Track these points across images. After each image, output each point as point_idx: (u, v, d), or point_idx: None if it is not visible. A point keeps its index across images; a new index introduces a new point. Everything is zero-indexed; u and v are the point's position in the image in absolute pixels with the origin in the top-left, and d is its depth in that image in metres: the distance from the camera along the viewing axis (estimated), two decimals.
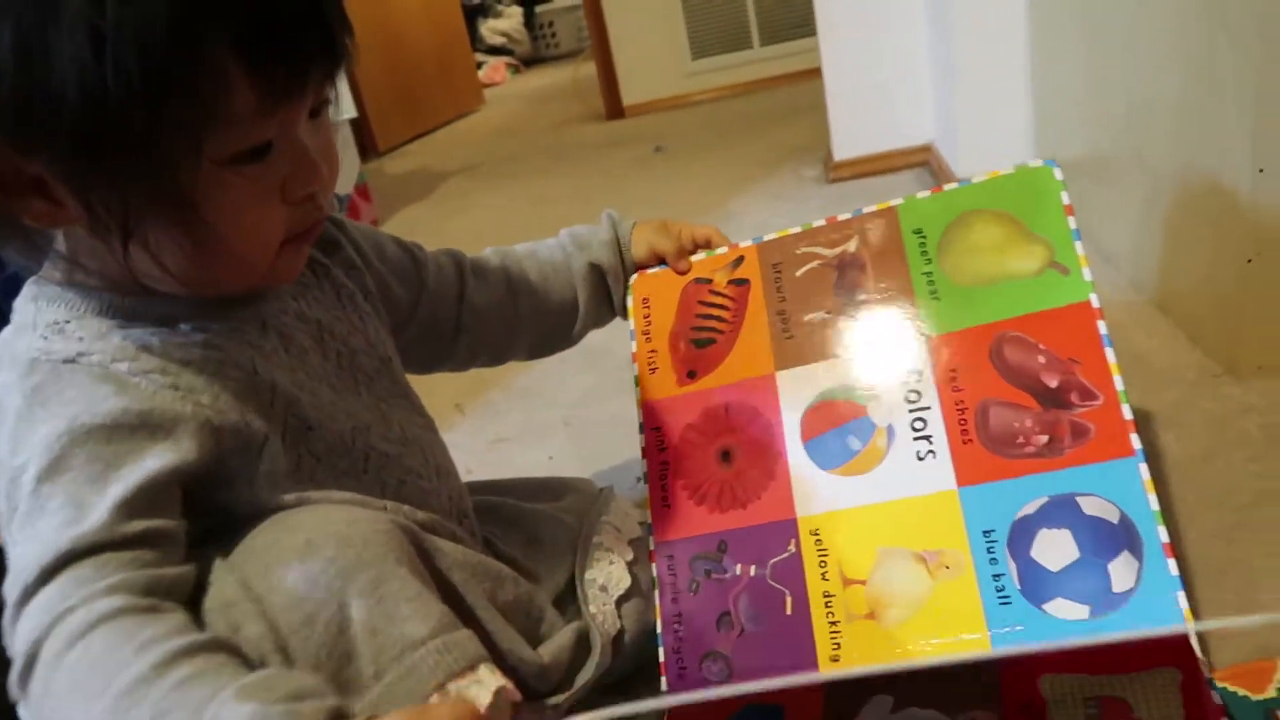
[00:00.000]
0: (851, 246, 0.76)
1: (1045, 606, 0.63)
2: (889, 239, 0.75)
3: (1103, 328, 0.68)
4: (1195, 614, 0.67)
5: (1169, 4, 1.05)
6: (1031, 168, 0.72)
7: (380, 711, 0.46)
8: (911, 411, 0.70)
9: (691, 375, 0.78)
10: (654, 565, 0.73)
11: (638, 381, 0.79)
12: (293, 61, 0.47)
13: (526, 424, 1.20)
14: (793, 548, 0.70)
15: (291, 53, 0.47)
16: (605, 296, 0.82)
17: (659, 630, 0.71)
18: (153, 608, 0.44)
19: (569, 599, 0.72)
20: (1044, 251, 0.70)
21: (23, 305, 0.54)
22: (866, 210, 0.76)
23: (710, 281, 0.80)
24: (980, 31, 1.61)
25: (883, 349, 0.73)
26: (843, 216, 0.77)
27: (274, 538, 0.50)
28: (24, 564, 0.45)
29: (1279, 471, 0.82)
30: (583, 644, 0.68)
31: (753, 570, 0.71)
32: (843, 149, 1.97)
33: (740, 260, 0.79)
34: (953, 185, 0.75)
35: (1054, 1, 1.46)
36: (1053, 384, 0.67)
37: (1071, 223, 0.71)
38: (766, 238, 0.79)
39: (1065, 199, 0.71)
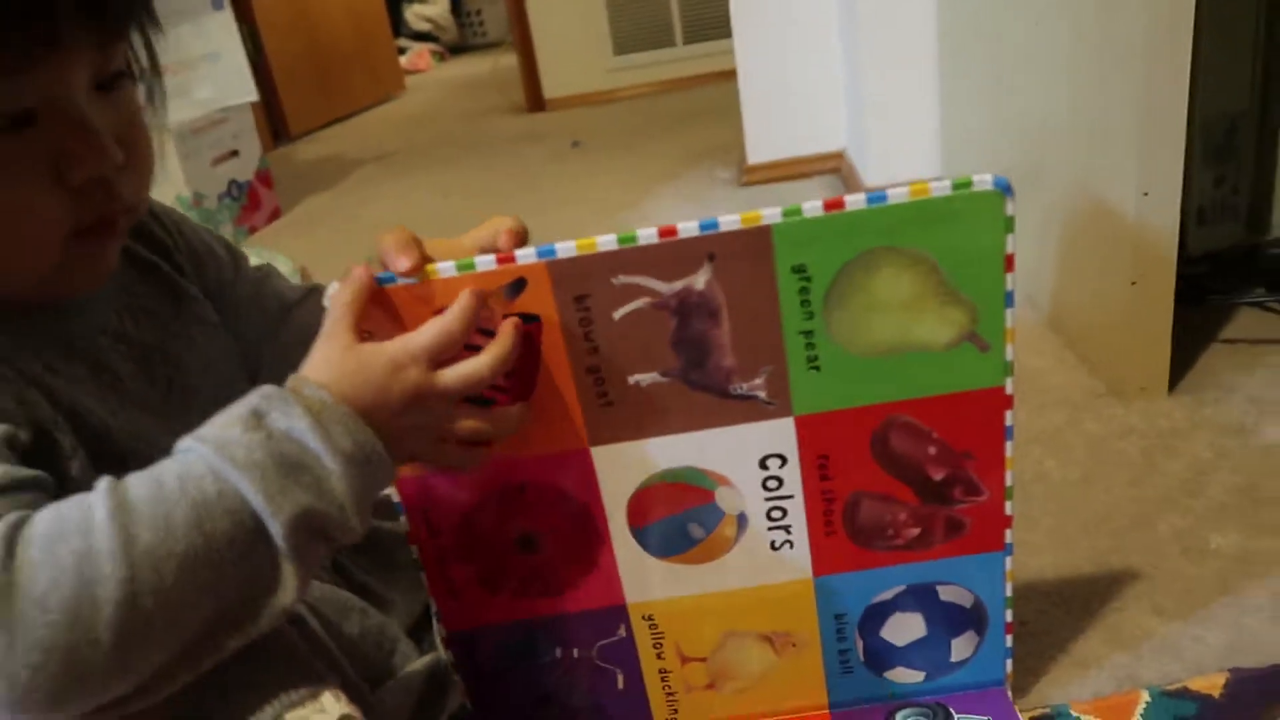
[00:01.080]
0: (699, 283, 0.52)
1: (885, 674, 0.65)
2: (757, 277, 0.52)
3: (1009, 419, 0.56)
4: (1059, 639, 0.69)
5: (1063, 25, 1.06)
6: (976, 191, 0.50)
7: None
8: (769, 500, 0.59)
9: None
10: (449, 653, 0.64)
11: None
12: (27, 14, 0.41)
13: None
14: (623, 631, 0.64)
15: (23, 3, 0.41)
16: None
17: (470, 708, 0.65)
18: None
19: (426, 627, 0.68)
20: (963, 318, 0.54)
21: None
22: (726, 225, 0.51)
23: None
24: (889, 43, 1.62)
25: (738, 425, 0.57)
26: (685, 229, 0.51)
27: None
28: None
29: (1154, 495, 0.83)
30: (434, 679, 0.64)
31: (575, 653, 0.65)
32: (756, 152, 1.96)
33: (521, 284, 0.52)
34: (858, 200, 0.50)
35: (959, 16, 1.47)
36: (937, 478, 0.58)
37: (1008, 282, 0.53)
38: (560, 251, 0.51)
39: (1010, 245, 0.52)
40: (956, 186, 0.50)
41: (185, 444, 0.44)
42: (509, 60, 3.47)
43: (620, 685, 0.66)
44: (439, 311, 0.50)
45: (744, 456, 0.58)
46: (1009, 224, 0.51)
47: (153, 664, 0.40)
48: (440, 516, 0.60)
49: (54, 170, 0.44)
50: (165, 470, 0.42)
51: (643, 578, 0.62)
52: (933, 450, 0.57)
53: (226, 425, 0.44)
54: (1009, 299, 0.53)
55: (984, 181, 0.50)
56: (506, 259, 0.51)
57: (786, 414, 0.56)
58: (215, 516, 0.41)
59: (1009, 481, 0.58)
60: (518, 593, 0.63)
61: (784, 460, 0.57)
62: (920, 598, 0.62)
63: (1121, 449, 0.90)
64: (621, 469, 0.58)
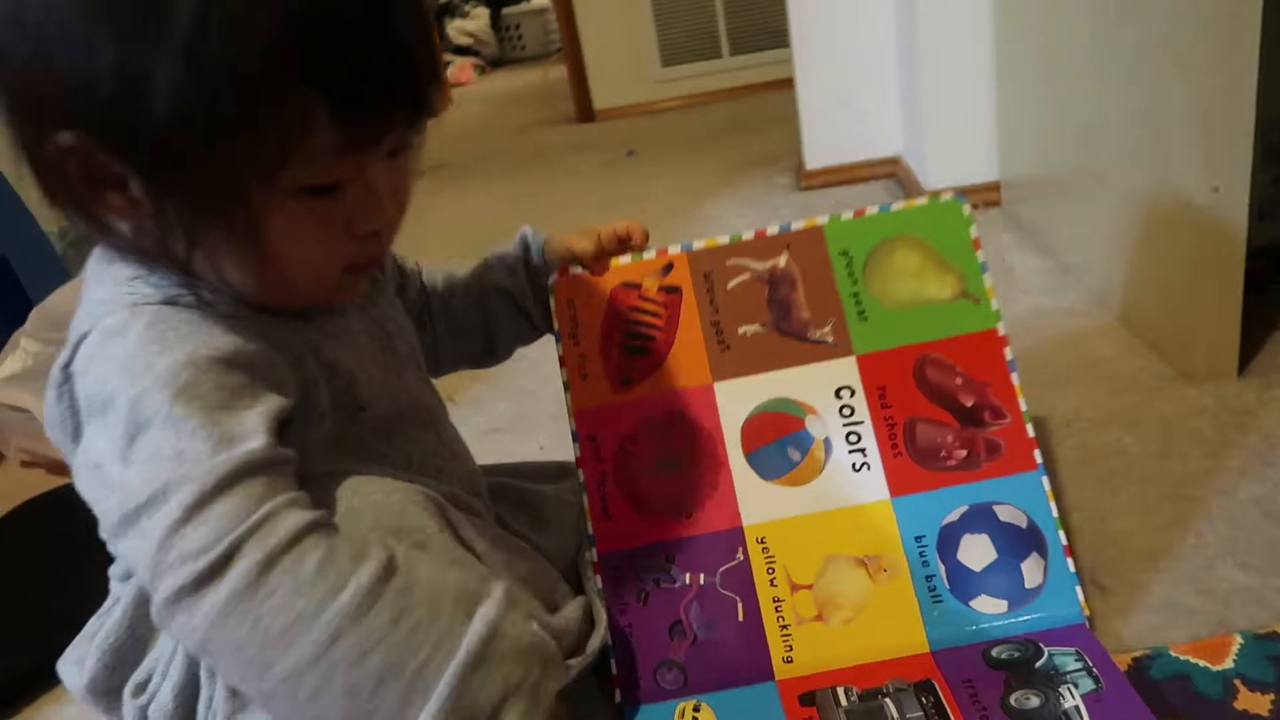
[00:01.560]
0: (781, 262, 0.78)
1: (971, 603, 0.72)
2: (818, 257, 0.78)
3: (1009, 354, 0.75)
4: (1151, 593, 0.75)
5: (1124, 36, 1.12)
6: (942, 202, 0.78)
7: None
8: (846, 425, 0.75)
9: (626, 383, 0.78)
10: (598, 577, 0.74)
11: (568, 387, 0.78)
12: (378, 113, 0.49)
13: (516, 415, 1.23)
14: (741, 555, 0.74)
15: (378, 105, 0.49)
16: (520, 316, 0.81)
17: (609, 642, 0.71)
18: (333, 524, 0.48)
19: (572, 577, 0.75)
20: (956, 281, 0.77)
21: (95, 265, 0.55)
22: (795, 226, 0.79)
23: (639, 287, 0.79)
24: (946, 48, 1.68)
25: (817, 364, 0.77)
26: (771, 230, 0.79)
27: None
28: (166, 479, 0.45)
29: (1231, 466, 0.89)
30: (587, 617, 0.71)
31: (702, 579, 0.74)
32: (814, 158, 2.03)
33: (670, 266, 0.79)
34: (874, 210, 0.78)
35: (1017, 23, 1.53)
36: (969, 403, 0.75)
37: (980, 256, 0.76)
38: (695, 245, 0.80)
39: (974, 233, 0.76)
40: (931, 199, 0.78)
41: (492, 588, 0.50)
42: (558, 72, 3.57)
43: (740, 616, 0.73)
44: (623, 284, 0.79)
45: (823, 388, 0.76)
46: (969, 220, 0.77)
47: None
48: (604, 443, 0.77)
49: (346, 224, 0.52)
50: (448, 588, 0.48)
51: (755, 499, 0.75)
52: (959, 380, 0.75)
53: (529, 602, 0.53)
54: (984, 267, 0.77)
55: (949, 195, 0.78)
56: (662, 251, 0.80)
57: (849, 353, 0.77)
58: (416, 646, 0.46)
59: (1024, 407, 0.74)
60: (658, 514, 0.75)
61: (853, 391, 0.76)
62: (982, 517, 0.72)
63: (1196, 426, 0.96)
64: (736, 401, 0.77)
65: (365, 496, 0.53)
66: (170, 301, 0.51)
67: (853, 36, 1.93)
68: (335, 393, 0.58)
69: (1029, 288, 1.35)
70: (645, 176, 2.48)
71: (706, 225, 1.90)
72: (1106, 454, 0.94)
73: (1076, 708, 0.63)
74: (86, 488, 0.49)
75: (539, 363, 0.88)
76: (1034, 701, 0.65)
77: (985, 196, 1.72)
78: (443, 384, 0.76)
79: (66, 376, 0.51)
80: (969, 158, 1.73)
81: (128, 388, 0.48)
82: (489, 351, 0.82)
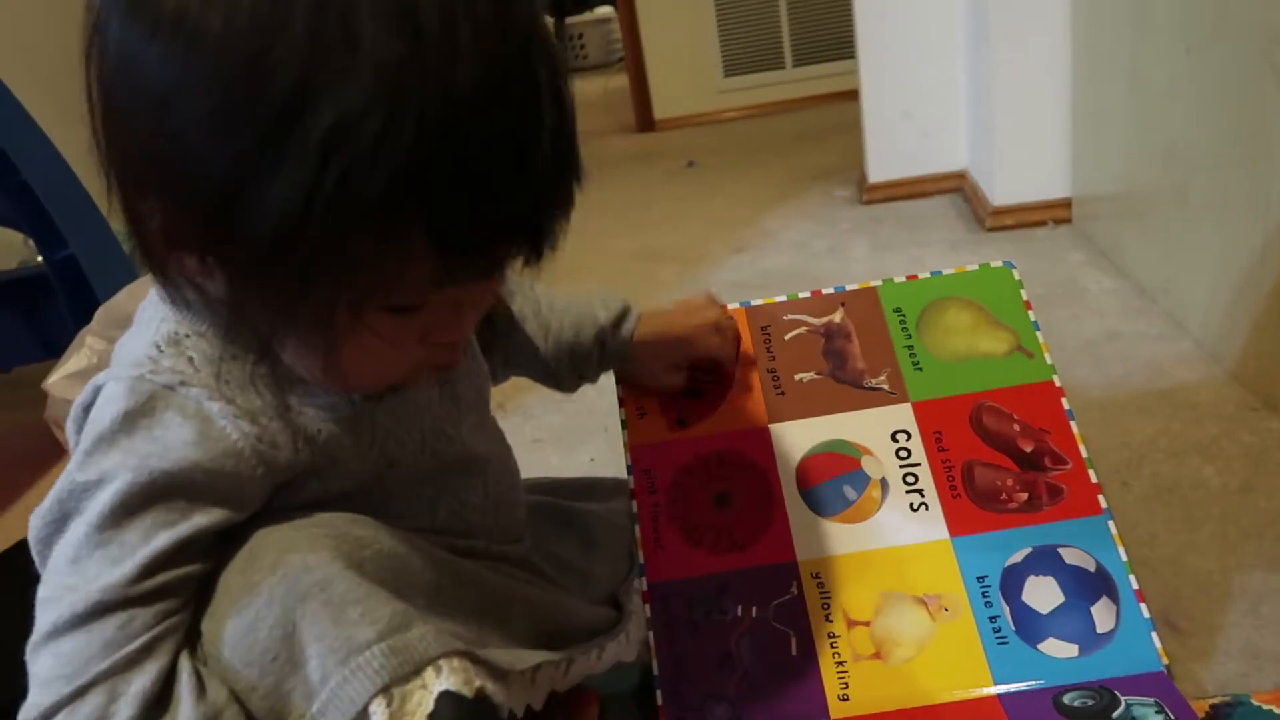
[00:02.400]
0: (837, 317, 0.81)
1: (1040, 646, 0.68)
2: (872, 313, 0.81)
3: (1066, 404, 0.75)
4: (1231, 637, 0.71)
5: (1218, 51, 1.07)
6: (993, 267, 0.82)
7: (328, 715, 0.48)
8: (902, 467, 0.75)
9: (682, 423, 0.79)
10: (647, 607, 0.72)
11: (625, 424, 0.79)
12: (490, 260, 0.47)
13: (565, 427, 1.22)
14: (795, 589, 0.72)
15: (493, 254, 0.46)
16: (575, 378, 0.78)
17: (655, 672, 0.69)
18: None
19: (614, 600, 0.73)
20: (1010, 337, 0.78)
21: (153, 301, 0.54)
22: (849, 287, 0.83)
23: None
24: (1020, 62, 1.64)
25: (872, 409, 0.77)
26: (826, 291, 0.83)
27: (237, 565, 0.50)
28: (58, 593, 0.47)
29: None
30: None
31: (754, 612, 0.71)
32: (877, 171, 1.99)
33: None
34: (925, 275, 0.83)
35: (1098, 37, 1.48)
36: (1028, 449, 0.74)
37: (1031, 315, 0.78)
38: (754, 303, 0.83)
39: (1024, 295, 0.80)
40: (982, 266, 0.82)
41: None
42: (618, 82, 3.57)
43: (794, 650, 0.70)
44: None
45: (879, 431, 0.76)
46: (1019, 284, 0.80)
47: None
48: (659, 476, 0.77)
49: (422, 334, 0.50)
50: None
51: (810, 535, 0.73)
52: (1017, 427, 0.75)
53: None
54: (1035, 325, 0.78)
55: (998, 262, 0.82)
56: (722, 308, 0.81)
57: (904, 400, 0.77)
58: None
59: (1085, 454, 0.73)
60: (711, 548, 0.74)
61: (909, 435, 0.76)
62: (1047, 560, 0.69)
63: None
64: (791, 441, 0.77)
65: (269, 539, 0.51)
66: (170, 387, 0.49)
67: (920, 48, 1.89)
68: (370, 458, 0.56)
69: (1103, 310, 1.30)
70: (705, 187, 2.46)
71: (768, 238, 1.88)
72: (1185, 487, 0.89)
73: None
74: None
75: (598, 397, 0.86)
76: None
77: (1055, 214, 1.67)
78: (494, 393, 0.75)
79: (83, 415, 0.51)
80: (1039, 173, 1.68)
81: (78, 466, 0.48)
82: (544, 381, 0.79)
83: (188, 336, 0.51)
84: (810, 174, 2.33)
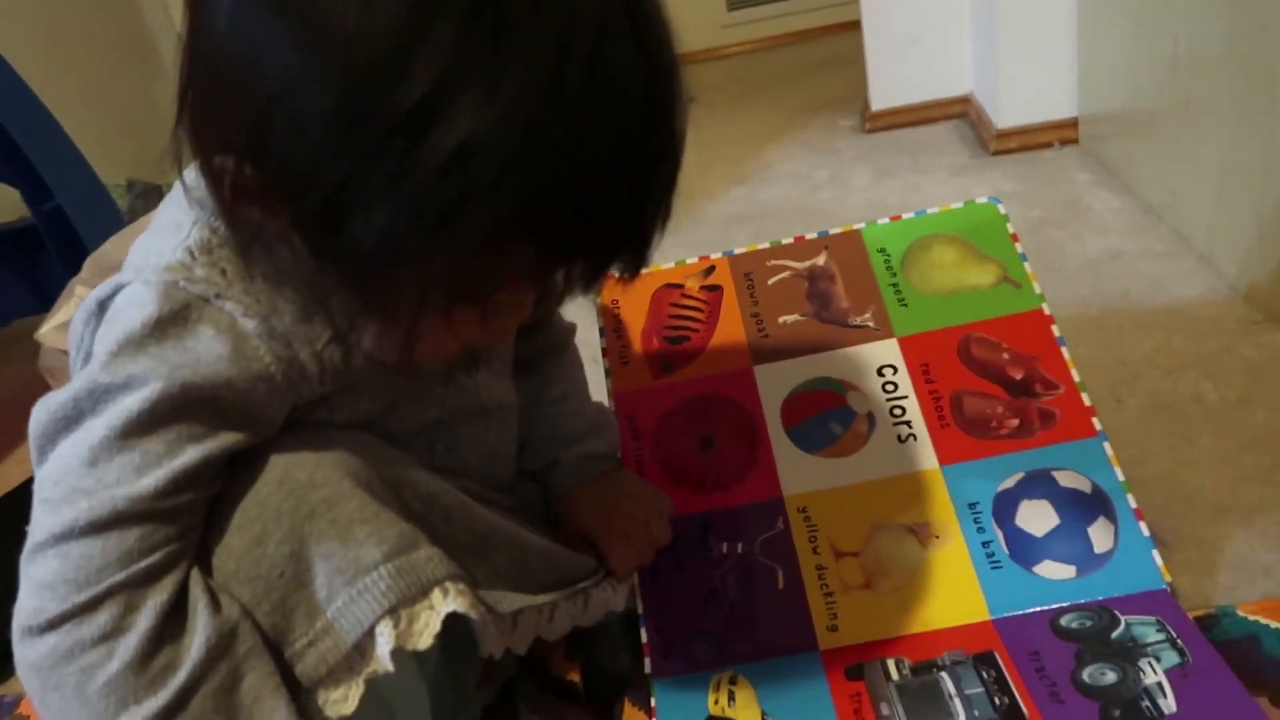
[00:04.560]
0: (820, 260, 0.82)
1: (1035, 569, 0.67)
2: (856, 254, 0.81)
3: (1056, 331, 0.74)
4: (1220, 550, 0.70)
5: None
6: (979, 204, 0.81)
7: (333, 634, 0.48)
8: (889, 400, 0.75)
9: (666, 369, 0.79)
10: None
11: (609, 373, 0.80)
12: (587, 281, 0.46)
13: None
14: (781, 524, 0.71)
15: (592, 273, 0.46)
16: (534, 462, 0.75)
17: (640, 612, 0.70)
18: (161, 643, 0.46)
19: None
20: (996, 269, 0.78)
21: (177, 201, 0.50)
22: (832, 231, 0.83)
23: (681, 286, 0.83)
24: None
25: (857, 346, 0.77)
26: (809, 236, 0.83)
27: (243, 480, 0.50)
28: (69, 495, 0.45)
29: None
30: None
31: (739, 548, 0.71)
32: (880, 99, 1.94)
33: (711, 269, 0.83)
34: (909, 215, 0.82)
35: None
36: (1018, 376, 0.73)
37: (1018, 248, 0.78)
38: (736, 251, 0.83)
39: (1010, 228, 0.79)
40: (968, 203, 0.81)
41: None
42: None
43: (780, 584, 0.70)
44: (665, 285, 0.84)
45: (865, 367, 0.76)
46: (1005, 218, 0.80)
47: None
48: (642, 422, 0.77)
49: (481, 317, 0.48)
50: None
51: (796, 471, 0.73)
52: (1006, 356, 0.74)
53: None
54: (1023, 256, 0.78)
55: (982, 199, 0.82)
56: (704, 257, 0.85)
57: (890, 336, 0.77)
58: None
59: (1077, 379, 0.72)
60: (696, 488, 0.74)
61: (895, 369, 0.76)
62: (1041, 483, 0.69)
63: None
64: (775, 381, 0.77)
65: (279, 450, 0.51)
66: (205, 298, 0.47)
67: None
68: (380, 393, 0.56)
69: (1105, 229, 1.27)
70: (708, 121, 2.41)
71: (770, 171, 1.84)
72: (1181, 403, 0.88)
73: (1159, 684, 0.57)
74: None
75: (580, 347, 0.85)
76: (1110, 677, 0.59)
77: (1062, 134, 1.62)
78: None
79: (99, 311, 0.49)
80: (1045, 93, 1.63)
81: (102, 367, 0.46)
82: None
83: (221, 247, 0.48)
84: (815, 105, 2.28)
